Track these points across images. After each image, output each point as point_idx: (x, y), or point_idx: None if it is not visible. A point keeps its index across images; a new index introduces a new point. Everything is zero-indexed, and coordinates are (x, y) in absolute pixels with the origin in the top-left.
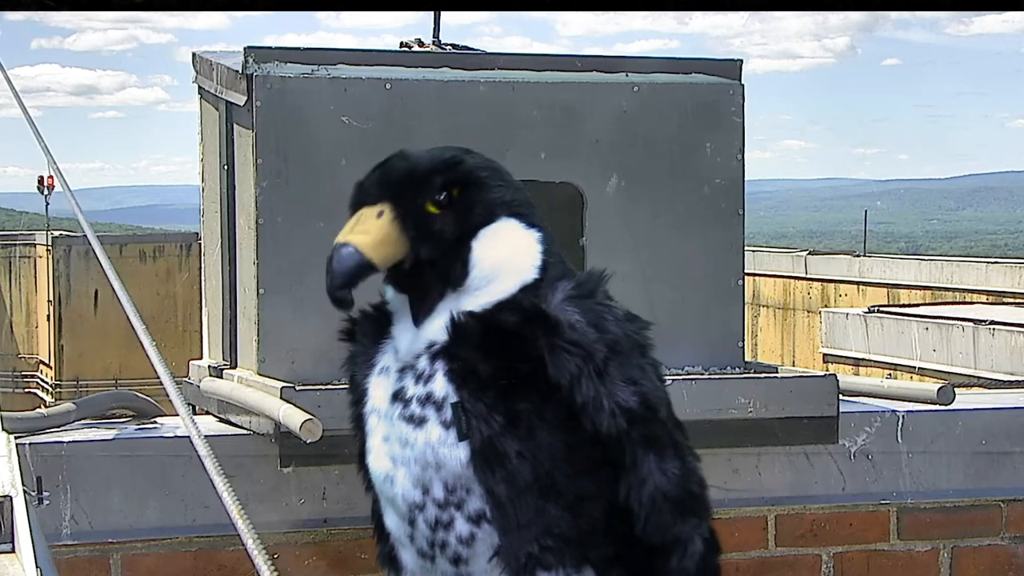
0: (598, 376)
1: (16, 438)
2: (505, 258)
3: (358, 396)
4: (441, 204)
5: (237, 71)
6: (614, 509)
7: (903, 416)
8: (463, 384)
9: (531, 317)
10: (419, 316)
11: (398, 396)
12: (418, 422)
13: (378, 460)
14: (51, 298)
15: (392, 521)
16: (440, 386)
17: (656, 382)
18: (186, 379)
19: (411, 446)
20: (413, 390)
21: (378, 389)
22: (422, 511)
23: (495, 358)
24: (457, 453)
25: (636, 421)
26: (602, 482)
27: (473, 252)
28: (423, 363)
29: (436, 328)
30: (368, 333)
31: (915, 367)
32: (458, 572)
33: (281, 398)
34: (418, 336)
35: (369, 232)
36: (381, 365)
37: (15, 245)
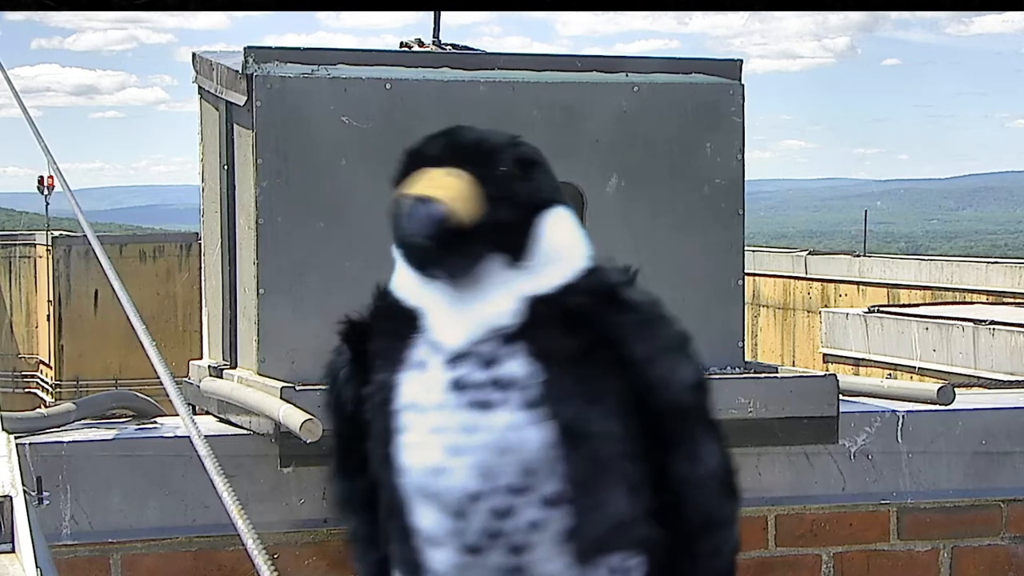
0: (668, 352)
1: (16, 438)
2: (565, 242)
3: (383, 397)
4: (513, 176)
5: (237, 71)
6: (660, 496)
7: (903, 416)
8: (546, 363)
9: (604, 298)
10: (467, 300)
11: (458, 384)
12: (486, 407)
13: (422, 454)
14: (51, 298)
15: (429, 519)
16: (518, 367)
17: (702, 365)
18: (186, 379)
19: (479, 431)
20: (478, 376)
21: (413, 385)
22: (481, 500)
23: (573, 338)
24: (536, 434)
25: (700, 398)
26: (651, 468)
27: (541, 228)
28: (489, 347)
29: (498, 313)
30: (388, 330)
31: (915, 367)
32: (514, 562)
33: (281, 398)
34: (475, 322)
35: (447, 188)
36: (414, 360)
37: (15, 245)
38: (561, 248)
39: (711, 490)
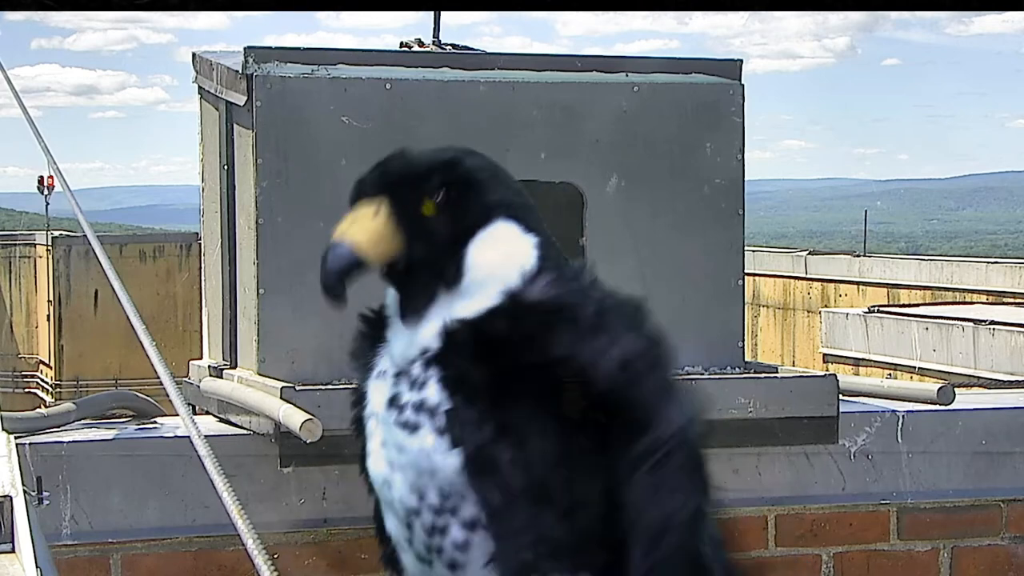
0: (592, 332)
1: (16, 438)
2: (500, 261)
3: (358, 399)
4: (438, 204)
5: (237, 71)
6: (608, 517)
7: (903, 416)
8: (455, 391)
9: (519, 314)
10: (411, 319)
11: (394, 402)
12: (412, 428)
13: (377, 464)
14: (51, 298)
15: (392, 524)
16: (433, 393)
17: (650, 328)
18: (186, 379)
19: (406, 452)
20: (408, 396)
21: (376, 393)
22: (418, 516)
23: (487, 365)
24: (450, 460)
25: (649, 366)
26: (596, 490)
27: (468, 255)
28: (417, 369)
29: (429, 334)
30: (368, 337)
31: (915, 367)
32: None
33: (281, 398)
34: (412, 341)
35: (364, 229)
36: (379, 369)
37: (15, 245)
38: (491, 269)
39: (678, 454)
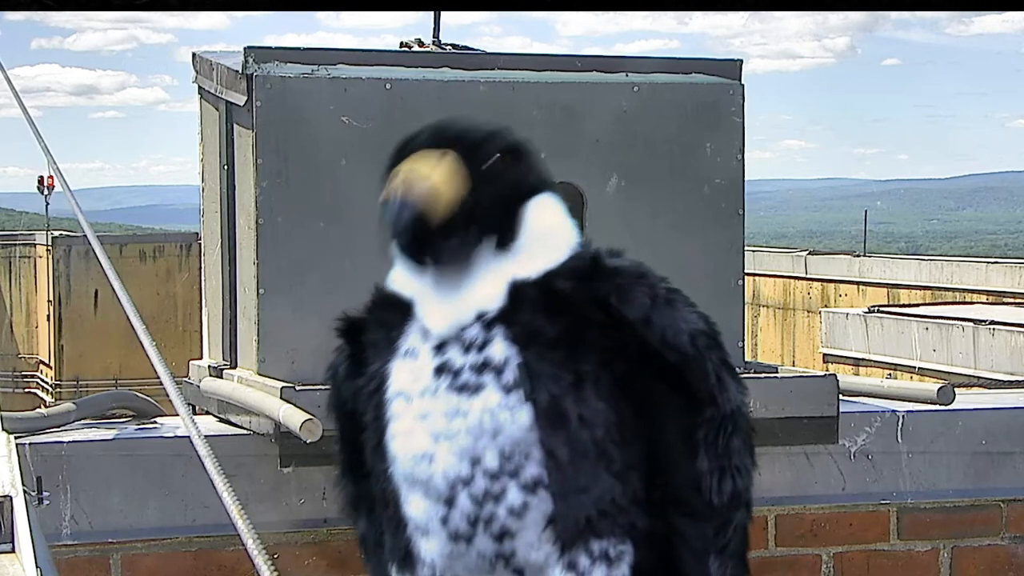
0: (667, 304)
1: (16, 438)
2: (551, 228)
3: (376, 386)
4: (494, 166)
5: (237, 71)
6: (651, 482)
7: (903, 416)
8: (527, 346)
9: (587, 276)
10: (454, 286)
11: (443, 369)
12: (473, 389)
13: (410, 441)
14: (51, 298)
15: (418, 507)
16: (500, 350)
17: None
18: (186, 379)
19: (463, 416)
20: (463, 360)
21: (403, 372)
22: (467, 486)
23: (557, 321)
24: (520, 415)
25: (713, 343)
26: (642, 454)
27: (527, 214)
28: (474, 332)
29: (484, 297)
30: (382, 321)
31: (915, 367)
32: (500, 549)
33: (281, 398)
34: (460, 308)
35: (436, 169)
36: (405, 348)
37: (15, 245)
38: (546, 234)
39: (742, 431)
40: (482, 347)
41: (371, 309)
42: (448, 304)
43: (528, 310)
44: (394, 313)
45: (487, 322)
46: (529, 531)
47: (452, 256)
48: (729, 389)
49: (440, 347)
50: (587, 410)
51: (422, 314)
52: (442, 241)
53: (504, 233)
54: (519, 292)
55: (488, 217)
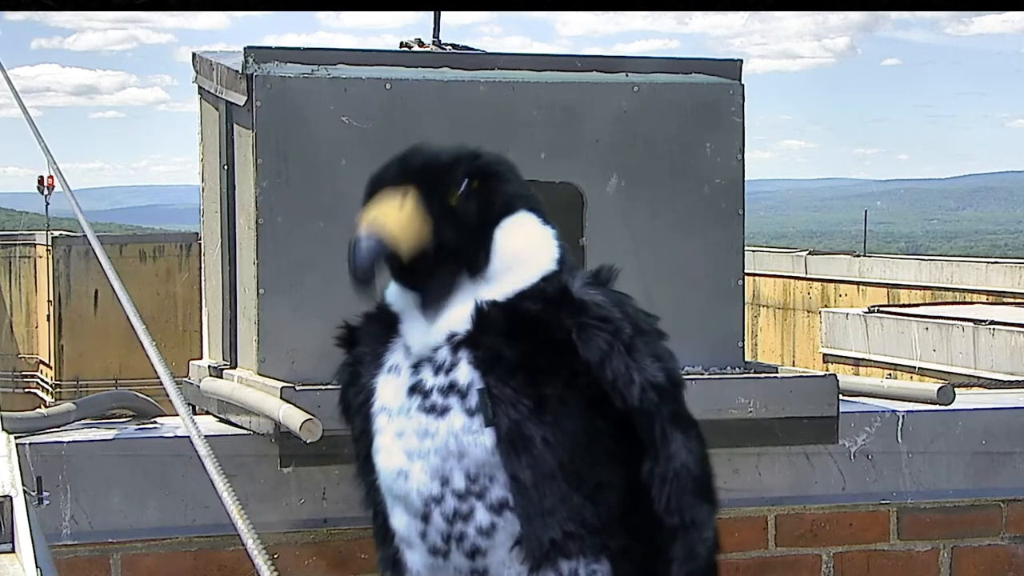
0: (627, 351)
1: (16, 438)
2: (525, 248)
3: (364, 398)
4: (462, 194)
5: (237, 71)
6: (626, 501)
7: (903, 416)
8: (489, 370)
9: (556, 301)
10: (434, 309)
11: (416, 389)
12: (440, 412)
13: (390, 457)
14: (51, 298)
15: (401, 521)
16: (464, 373)
17: (676, 364)
18: (186, 379)
19: (432, 437)
20: (433, 381)
21: (387, 388)
22: (439, 504)
23: (520, 344)
24: (482, 439)
25: (665, 396)
26: (617, 472)
27: (495, 240)
28: (443, 354)
29: (455, 319)
30: (373, 335)
31: (915, 367)
32: (474, 566)
33: (281, 398)
34: (434, 329)
35: (393, 216)
36: (390, 364)
37: (15, 245)
38: (518, 255)
39: (686, 488)
40: (449, 369)
41: (366, 321)
42: (424, 326)
43: (493, 333)
44: (384, 327)
45: (455, 344)
46: (499, 550)
47: (431, 288)
48: (672, 446)
49: (416, 366)
50: (552, 433)
51: (405, 331)
52: (416, 277)
53: (475, 261)
54: (485, 315)
55: (457, 248)
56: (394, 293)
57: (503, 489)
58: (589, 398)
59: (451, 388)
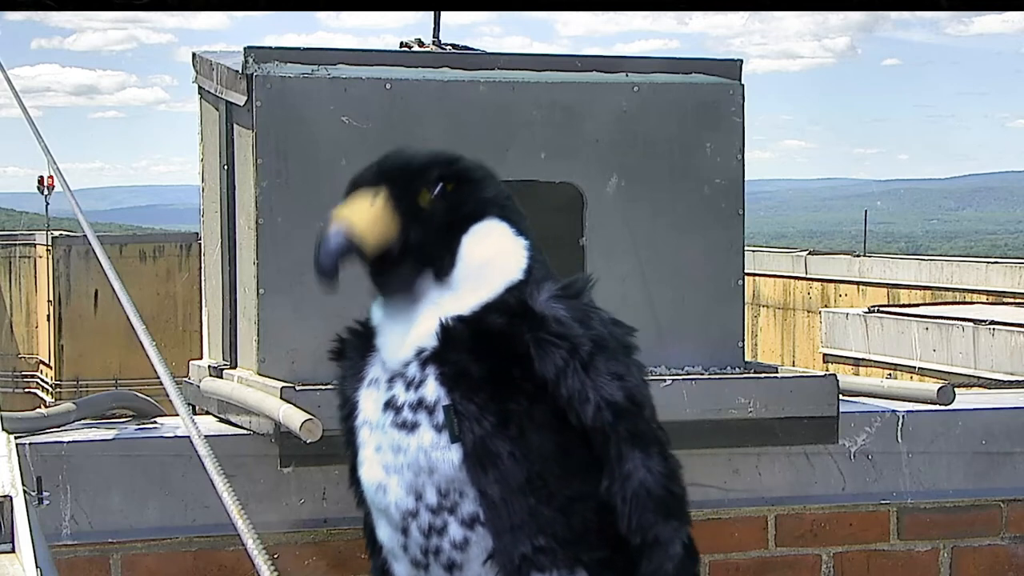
0: (584, 369)
1: (16, 438)
2: (492, 256)
3: (349, 411)
4: (434, 197)
5: (237, 71)
6: (606, 511)
7: (903, 416)
8: (454, 386)
9: (517, 314)
10: (400, 315)
11: (389, 404)
12: (410, 428)
13: (371, 471)
14: (51, 298)
15: (385, 533)
16: (431, 390)
17: (641, 380)
18: (186, 379)
19: (404, 452)
20: (404, 397)
21: (368, 401)
22: (415, 518)
23: (485, 360)
24: (449, 456)
25: (622, 416)
26: (594, 483)
27: (462, 245)
28: (413, 370)
29: (424, 334)
30: (356, 348)
31: (915, 367)
32: None
33: (281, 398)
34: (405, 343)
35: (362, 214)
36: (370, 378)
37: (15, 245)
38: (484, 264)
39: (645, 507)
40: (419, 385)
41: (350, 334)
42: (399, 338)
43: (458, 349)
44: (366, 340)
45: (423, 360)
46: (474, 564)
47: (393, 288)
48: (628, 465)
49: (391, 380)
50: (518, 447)
51: (380, 345)
52: (379, 275)
53: (439, 266)
54: (450, 330)
55: (423, 250)
56: (377, 307)
57: (473, 504)
58: (559, 411)
59: (420, 404)
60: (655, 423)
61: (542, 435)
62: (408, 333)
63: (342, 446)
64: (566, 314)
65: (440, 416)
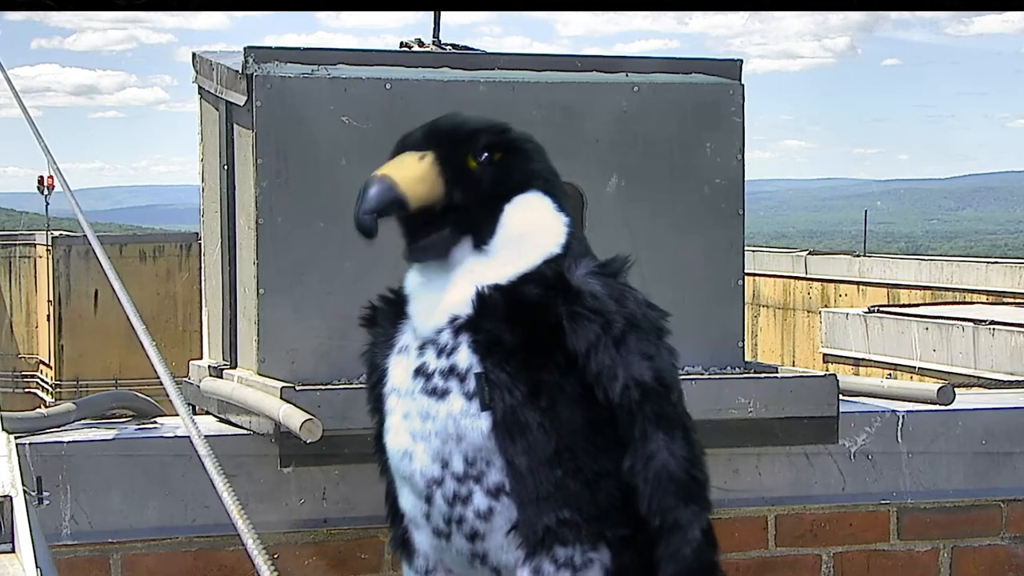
0: (615, 346)
1: (16, 438)
2: (533, 228)
3: (377, 378)
4: (481, 163)
5: (237, 71)
6: (631, 490)
7: (903, 416)
8: (487, 354)
9: (553, 287)
10: (435, 278)
11: (420, 371)
12: (440, 394)
13: (397, 438)
14: (51, 298)
15: (408, 501)
16: (464, 357)
17: (671, 364)
18: (186, 379)
19: (432, 419)
20: (435, 364)
21: (398, 368)
22: (440, 486)
23: (519, 330)
24: (479, 423)
25: (649, 396)
26: (620, 461)
27: (504, 214)
28: (445, 336)
29: (458, 301)
30: (388, 316)
31: (915, 367)
32: (474, 549)
33: (281, 398)
34: (438, 310)
35: (409, 170)
36: (401, 345)
37: (15, 245)
38: (524, 235)
39: (666, 490)
40: (451, 352)
41: (383, 302)
42: (431, 305)
43: (492, 317)
44: (397, 308)
45: (456, 328)
46: (497, 534)
47: (427, 253)
48: (651, 446)
49: (422, 347)
50: (548, 419)
51: (412, 313)
52: (416, 239)
53: (479, 233)
54: (485, 298)
55: (464, 216)
56: (411, 274)
57: (500, 474)
58: (588, 387)
59: (451, 371)
60: (681, 407)
61: (572, 409)
62: (442, 300)
63: (369, 412)
64: (602, 290)
65: (471, 384)
